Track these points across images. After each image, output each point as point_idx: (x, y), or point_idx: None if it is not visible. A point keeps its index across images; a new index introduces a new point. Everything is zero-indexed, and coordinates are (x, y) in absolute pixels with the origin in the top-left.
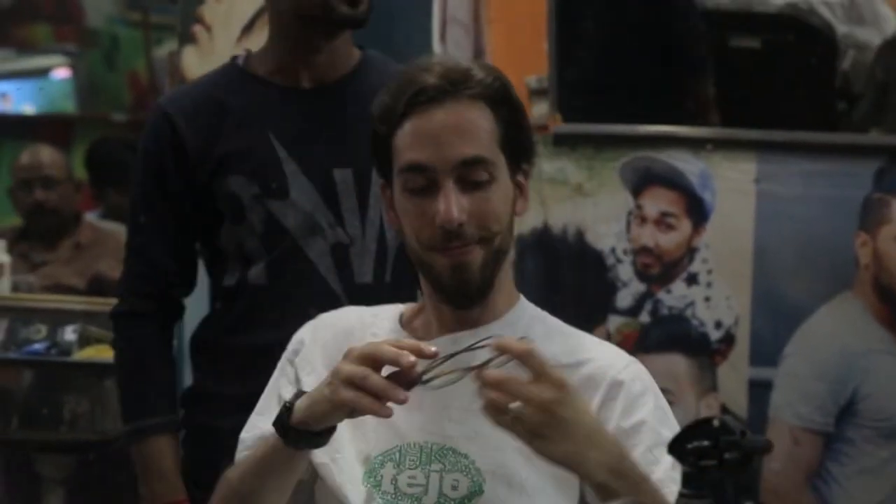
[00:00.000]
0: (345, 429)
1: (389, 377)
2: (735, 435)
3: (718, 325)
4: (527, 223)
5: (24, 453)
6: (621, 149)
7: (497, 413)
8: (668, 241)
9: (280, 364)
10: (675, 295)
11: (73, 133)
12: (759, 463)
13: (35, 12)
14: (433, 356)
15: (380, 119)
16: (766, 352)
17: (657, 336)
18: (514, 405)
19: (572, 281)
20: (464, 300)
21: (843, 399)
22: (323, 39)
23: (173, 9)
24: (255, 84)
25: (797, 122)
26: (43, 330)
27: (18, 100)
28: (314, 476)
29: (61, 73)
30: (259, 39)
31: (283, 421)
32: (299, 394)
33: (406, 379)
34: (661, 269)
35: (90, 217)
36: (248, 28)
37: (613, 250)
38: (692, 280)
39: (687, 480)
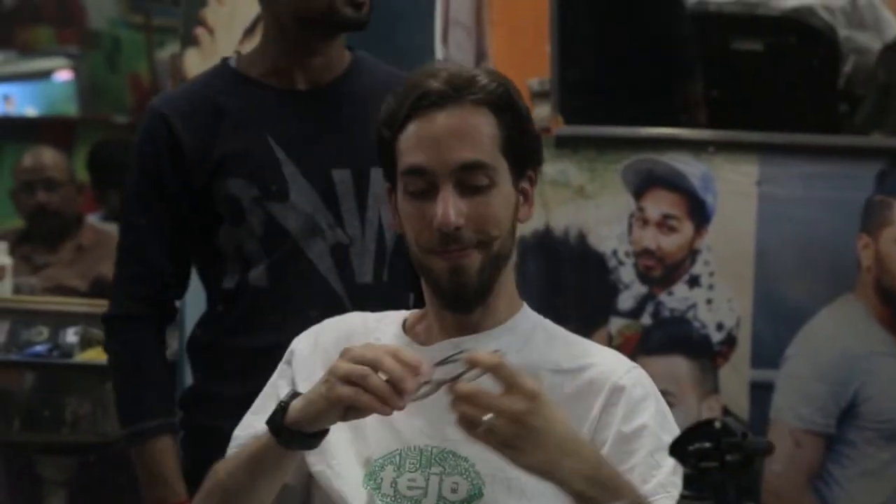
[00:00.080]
0: (342, 434)
1: None
2: (736, 437)
3: (720, 327)
4: (528, 225)
5: (26, 455)
6: (623, 151)
7: (470, 427)
8: (670, 243)
9: (280, 366)
10: (677, 297)
11: (75, 135)
12: (761, 465)
13: (37, 15)
14: (416, 383)
15: (384, 123)
16: (768, 354)
17: (659, 338)
18: (486, 417)
19: (574, 283)
20: (461, 303)
21: (844, 401)
22: (322, 41)
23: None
24: (250, 86)
25: (799, 125)
26: (45, 332)
27: (21, 102)
28: (304, 483)
29: (63, 75)
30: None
31: (277, 420)
32: (295, 394)
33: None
34: (663, 272)
35: (92, 219)
36: (250, 30)
37: (615, 252)
38: (694, 282)
39: (688, 482)
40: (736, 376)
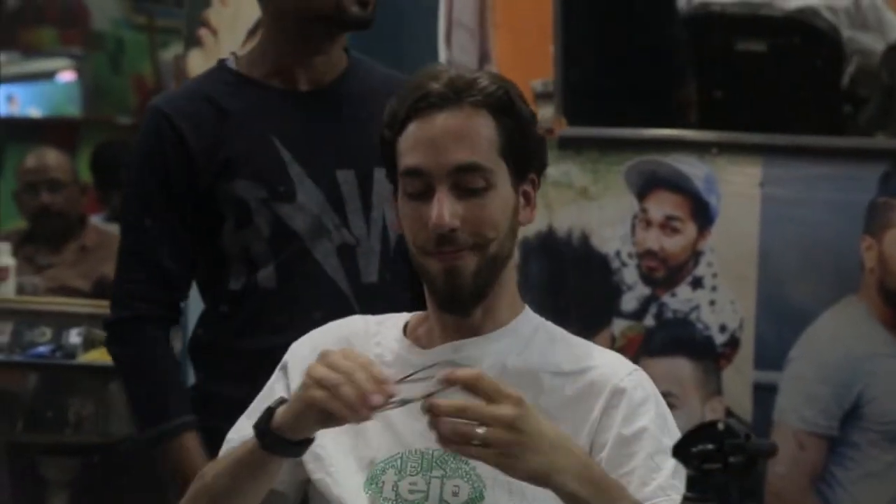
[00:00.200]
0: (341, 440)
1: None
2: (740, 438)
3: (723, 328)
4: (531, 226)
5: (29, 456)
6: (626, 152)
7: (464, 441)
8: (673, 244)
9: (276, 370)
10: (680, 298)
11: (78, 136)
12: (764, 466)
13: (41, 16)
14: (384, 399)
15: (386, 123)
16: (771, 355)
17: (662, 340)
18: (481, 430)
19: (577, 284)
20: (457, 305)
21: (847, 403)
22: (326, 40)
23: (179, 12)
24: (252, 87)
25: (803, 126)
26: (48, 333)
27: (24, 103)
28: (297, 491)
29: (67, 76)
30: None
31: (263, 424)
32: (283, 400)
33: None
34: (666, 273)
35: (95, 220)
36: (253, 31)
37: (618, 254)
38: (697, 284)
39: (691, 484)
40: (739, 378)
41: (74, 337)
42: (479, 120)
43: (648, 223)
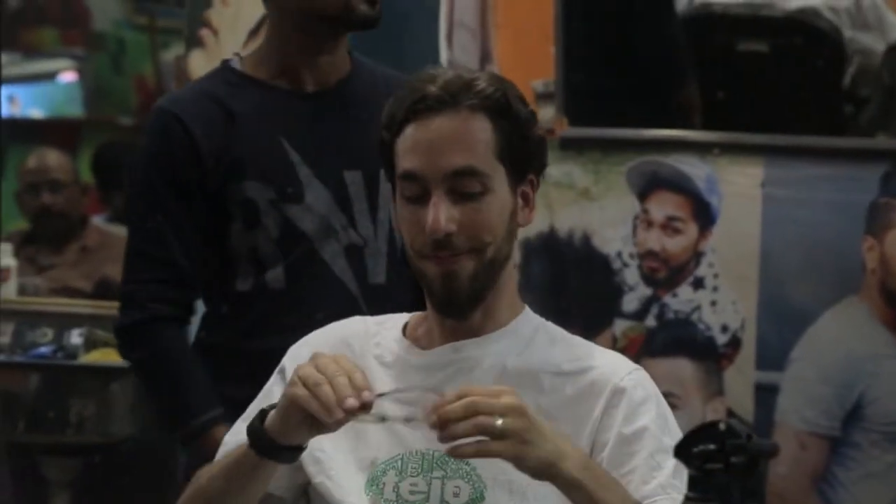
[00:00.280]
0: (341, 444)
1: None
2: (741, 438)
3: (725, 329)
4: (533, 227)
5: (31, 456)
6: (628, 153)
7: (484, 433)
8: (675, 245)
9: (274, 374)
10: (682, 299)
11: (79, 137)
12: (766, 467)
13: (42, 16)
14: (358, 404)
15: (384, 125)
16: (773, 356)
17: (663, 340)
18: (498, 421)
19: (578, 285)
20: (454, 308)
21: (849, 403)
22: (333, 40)
23: (180, 13)
24: (258, 87)
25: (804, 127)
26: (49, 333)
27: (26, 103)
28: (295, 495)
29: (68, 76)
30: None
31: (256, 427)
32: (275, 405)
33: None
34: (668, 273)
35: (97, 220)
36: (254, 32)
37: (620, 254)
38: (698, 284)
39: (693, 484)
40: (741, 378)
41: (76, 337)
42: (476, 123)
43: (650, 224)
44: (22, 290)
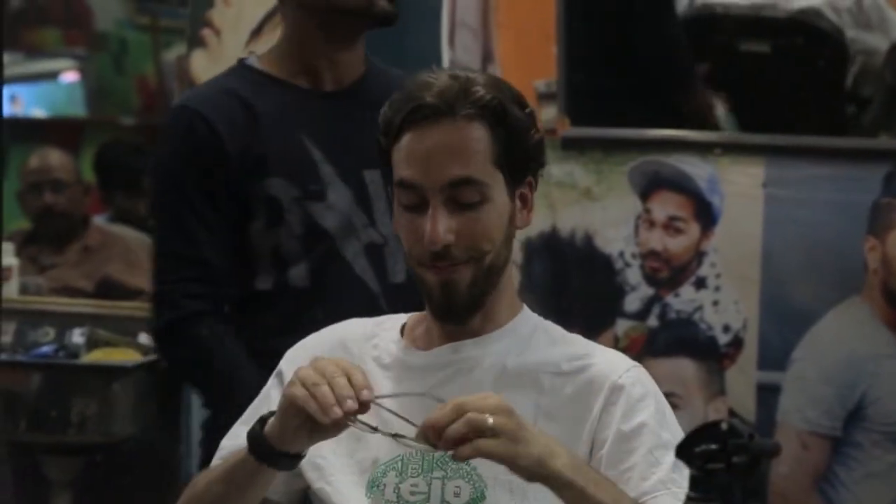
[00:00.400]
0: (340, 448)
1: None
2: (743, 438)
3: (726, 329)
4: (535, 227)
5: (32, 456)
6: (630, 153)
7: (477, 433)
8: (677, 245)
9: (272, 377)
10: (684, 299)
11: (81, 136)
12: (767, 467)
13: (44, 16)
14: (356, 405)
15: (382, 130)
16: (775, 356)
17: (665, 340)
18: (490, 420)
19: (580, 285)
20: (452, 316)
21: (851, 403)
22: (353, 37)
23: (182, 12)
24: (278, 86)
25: (806, 127)
26: (51, 332)
27: (28, 103)
28: (293, 501)
29: (70, 76)
30: (268, 43)
31: (256, 433)
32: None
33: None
34: (670, 273)
35: (98, 220)
36: (256, 32)
37: (622, 254)
38: (700, 284)
39: (695, 484)
40: (742, 378)
41: (77, 337)
42: (473, 132)
43: (652, 223)
44: (24, 290)
